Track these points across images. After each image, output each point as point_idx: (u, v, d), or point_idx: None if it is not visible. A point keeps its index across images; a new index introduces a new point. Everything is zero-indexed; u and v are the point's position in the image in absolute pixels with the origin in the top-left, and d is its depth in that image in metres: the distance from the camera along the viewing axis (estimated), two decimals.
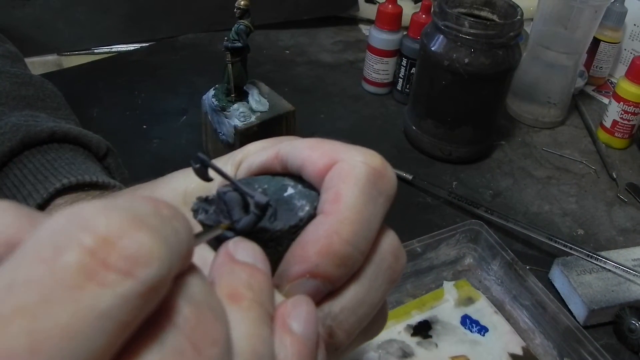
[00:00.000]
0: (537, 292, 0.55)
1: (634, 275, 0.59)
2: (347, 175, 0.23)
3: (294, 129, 0.68)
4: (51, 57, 0.89)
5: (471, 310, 0.56)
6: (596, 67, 0.95)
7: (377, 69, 0.87)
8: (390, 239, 0.25)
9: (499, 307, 0.57)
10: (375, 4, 1.05)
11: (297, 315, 0.20)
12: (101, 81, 0.84)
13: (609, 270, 0.59)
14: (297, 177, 0.25)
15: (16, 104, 0.47)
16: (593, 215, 0.72)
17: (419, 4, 0.90)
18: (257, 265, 0.21)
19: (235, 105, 0.64)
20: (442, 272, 0.60)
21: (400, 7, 0.83)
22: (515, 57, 0.72)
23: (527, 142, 0.84)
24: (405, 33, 0.85)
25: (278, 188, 0.25)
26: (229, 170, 0.27)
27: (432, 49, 0.71)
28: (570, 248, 0.62)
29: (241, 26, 0.61)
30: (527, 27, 0.87)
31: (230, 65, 0.63)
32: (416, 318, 0.55)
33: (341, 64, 0.96)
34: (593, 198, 0.75)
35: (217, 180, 0.25)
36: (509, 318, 0.56)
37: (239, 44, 0.62)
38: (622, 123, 0.81)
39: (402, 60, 0.85)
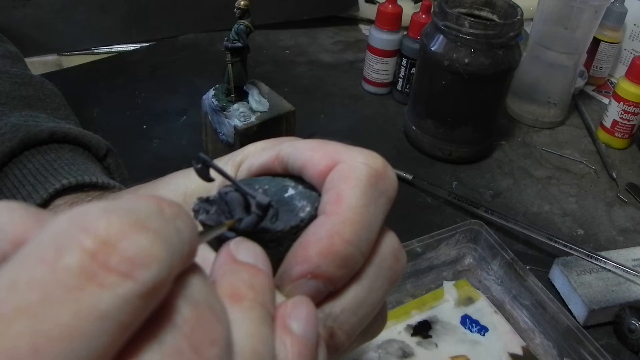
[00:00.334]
0: (537, 292, 0.55)
1: (634, 275, 0.59)
2: (349, 176, 0.23)
3: (294, 129, 0.68)
4: (51, 57, 0.89)
5: (471, 310, 0.56)
6: (596, 67, 0.96)
7: (377, 69, 0.87)
8: (390, 240, 0.25)
9: (499, 307, 0.57)
10: (375, 4, 1.05)
11: (298, 315, 0.20)
12: (101, 81, 0.84)
13: (609, 270, 0.59)
14: (298, 178, 0.25)
15: (16, 104, 0.47)
16: (593, 215, 0.72)
17: (419, 4, 0.90)
18: (258, 266, 0.21)
19: (235, 105, 0.64)
20: (442, 272, 0.60)
21: (400, 7, 0.83)
22: (515, 57, 0.72)
23: (527, 142, 0.84)
24: (405, 33, 0.85)
25: (279, 189, 0.25)
26: (229, 170, 0.27)
27: (432, 49, 0.71)
28: (570, 248, 0.62)
29: (241, 26, 0.61)
30: (527, 27, 0.87)
31: (230, 65, 0.63)
32: (416, 318, 0.55)
33: (341, 64, 0.96)
34: (593, 198, 0.75)
35: (217, 181, 0.25)
36: (509, 318, 0.56)
37: (239, 44, 0.62)
38: (622, 123, 0.81)
39: (402, 60, 0.85)
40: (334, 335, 0.23)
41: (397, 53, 0.85)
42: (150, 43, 0.95)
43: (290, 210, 0.24)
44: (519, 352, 0.53)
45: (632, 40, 0.95)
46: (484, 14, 0.75)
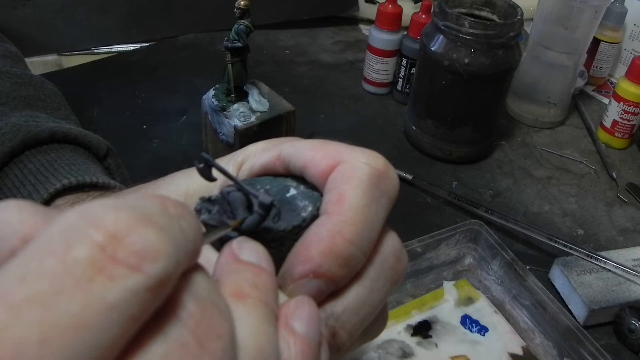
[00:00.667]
0: (537, 292, 0.55)
1: (634, 275, 0.59)
2: (350, 176, 0.23)
3: (294, 129, 0.68)
4: (51, 57, 0.89)
5: (471, 310, 0.56)
6: (596, 67, 0.96)
7: (377, 69, 0.87)
8: (392, 240, 0.25)
9: (499, 307, 0.57)
10: (375, 4, 1.05)
11: (300, 315, 0.21)
12: (101, 81, 0.84)
13: (609, 270, 0.59)
14: (299, 178, 0.25)
15: (16, 104, 0.47)
16: (593, 215, 0.72)
17: (419, 4, 0.90)
18: (261, 265, 0.21)
19: (235, 105, 0.64)
20: (442, 272, 0.60)
21: (400, 7, 0.83)
22: (515, 57, 0.72)
23: (527, 142, 0.84)
24: (405, 33, 0.85)
25: (280, 189, 0.25)
26: (230, 170, 0.27)
27: (432, 49, 0.71)
28: (570, 248, 0.62)
29: (241, 26, 0.61)
30: (527, 27, 0.87)
31: (230, 65, 0.63)
32: (416, 318, 0.55)
33: (341, 64, 0.96)
34: (593, 198, 0.75)
35: (218, 182, 0.25)
36: (509, 318, 0.56)
37: (239, 44, 0.62)
38: (622, 123, 0.81)
39: (402, 60, 0.85)
40: (336, 334, 0.23)
41: (397, 53, 0.85)
42: (150, 43, 0.95)
43: (292, 210, 0.24)
44: (519, 352, 0.53)
45: (632, 40, 0.95)
46: (484, 14, 0.75)
